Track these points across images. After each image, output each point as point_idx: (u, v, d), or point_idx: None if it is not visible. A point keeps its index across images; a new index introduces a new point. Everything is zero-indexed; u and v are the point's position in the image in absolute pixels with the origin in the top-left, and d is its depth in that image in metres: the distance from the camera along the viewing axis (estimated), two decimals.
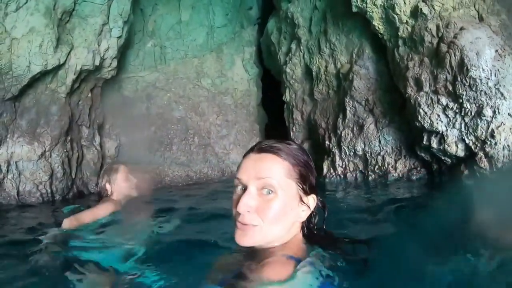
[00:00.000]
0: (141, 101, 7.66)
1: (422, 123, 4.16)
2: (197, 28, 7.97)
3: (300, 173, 1.43)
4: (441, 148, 4.13)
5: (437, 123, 4.10)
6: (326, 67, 5.73)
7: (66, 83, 6.14)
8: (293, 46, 6.39)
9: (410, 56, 4.42)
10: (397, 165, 4.70)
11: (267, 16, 7.79)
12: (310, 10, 6.13)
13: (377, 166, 4.85)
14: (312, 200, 1.46)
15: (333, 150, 5.38)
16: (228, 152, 7.79)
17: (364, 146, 4.97)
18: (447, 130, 4.08)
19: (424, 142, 4.25)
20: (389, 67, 4.90)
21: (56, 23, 5.81)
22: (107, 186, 3.65)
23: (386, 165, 4.77)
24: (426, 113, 4.14)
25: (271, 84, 7.90)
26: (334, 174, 5.33)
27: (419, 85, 4.25)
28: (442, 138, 4.12)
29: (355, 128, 5.11)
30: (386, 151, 4.80)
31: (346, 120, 5.19)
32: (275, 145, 1.45)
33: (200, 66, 7.85)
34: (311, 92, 6.10)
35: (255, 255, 1.43)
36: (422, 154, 4.45)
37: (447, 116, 4.07)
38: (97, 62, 6.38)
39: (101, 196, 3.74)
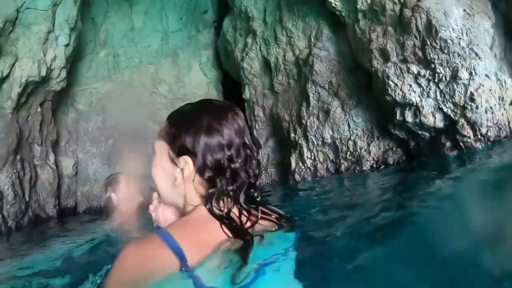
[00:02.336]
0: (96, 113, 6.90)
1: (393, 96, 3.55)
2: (150, 34, 7.28)
3: (172, 133, 1.33)
4: (417, 121, 3.52)
5: (410, 94, 3.49)
6: (284, 56, 5.10)
7: (11, 97, 5.37)
8: (249, 40, 5.76)
9: (372, 28, 3.83)
10: (371, 148, 4.06)
11: (223, 19, 7.14)
12: (263, 1, 5.52)
13: (348, 153, 4.20)
14: (183, 162, 1.30)
15: (299, 142, 4.71)
16: None
17: (333, 132, 4.32)
18: (421, 100, 3.48)
19: (397, 118, 3.63)
20: (351, 46, 4.30)
21: None
22: (113, 196, 3.61)
23: (358, 150, 4.12)
24: (396, 84, 3.53)
25: (232, 89, 7.22)
26: (303, 167, 4.65)
27: (385, 56, 3.65)
28: (417, 110, 3.52)
29: (320, 115, 4.46)
30: (357, 135, 4.15)
31: (310, 108, 4.54)
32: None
33: (155, 72, 7.12)
34: (271, 85, 5.45)
35: None
36: (397, 132, 3.82)
37: (419, 85, 3.48)
38: (43, 73, 5.64)
39: (107, 211, 3.65)
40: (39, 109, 6.02)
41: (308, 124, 4.53)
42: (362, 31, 3.92)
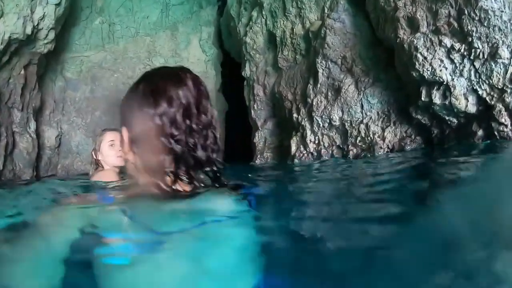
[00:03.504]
0: (85, 83, 6.21)
1: (421, 72, 2.92)
2: (150, 5, 6.60)
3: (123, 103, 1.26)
4: (446, 103, 2.89)
5: (441, 71, 2.87)
6: (293, 29, 4.45)
7: None
8: (254, 13, 5.11)
9: None
10: (385, 134, 3.42)
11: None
12: None
13: (359, 138, 3.56)
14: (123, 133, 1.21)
15: (302, 123, 4.07)
16: None
17: (342, 114, 3.68)
18: (453, 79, 2.85)
19: (422, 99, 3.00)
20: (370, 19, 3.68)
21: None
22: (93, 153, 3.33)
23: (371, 136, 3.49)
24: (425, 58, 2.90)
25: (232, 70, 6.60)
26: (305, 152, 4.02)
27: (413, 26, 3.02)
28: (447, 90, 2.89)
29: (329, 93, 3.82)
30: (371, 118, 3.52)
31: (318, 85, 3.90)
32: None
33: (152, 44, 6.43)
34: (275, 61, 4.80)
35: None
36: (419, 117, 3.18)
37: (452, 61, 2.85)
38: (28, 31, 4.98)
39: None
40: (22, 72, 5.38)
41: (314, 103, 3.90)
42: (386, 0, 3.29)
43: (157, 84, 1.19)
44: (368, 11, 3.69)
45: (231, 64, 6.66)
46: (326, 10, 4.04)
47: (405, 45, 3.03)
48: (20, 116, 5.44)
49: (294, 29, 4.42)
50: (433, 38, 2.90)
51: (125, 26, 6.42)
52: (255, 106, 5.05)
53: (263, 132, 4.93)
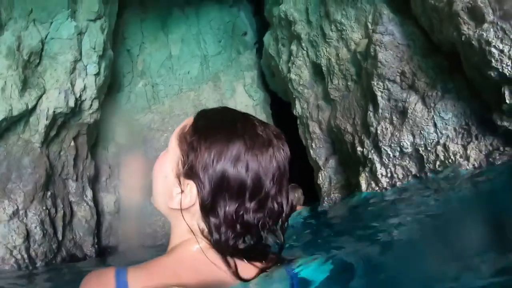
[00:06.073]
0: (137, 146, 6.34)
1: (500, 69, 2.46)
2: (189, 60, 6.68)
3: (191, 141, 0.93)
4: None
5: None
6: (338, 54, 4.14)
7: (39, 130, 4.97)
8: (294, 47, 4.89)
9: None
10: (469, 152, 2.91)
11: None
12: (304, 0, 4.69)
13: (438, 162, 3.07)
14: (186, 187, 0.91)
15: (369, 156, 3.65)
16: None
17: (414, 138, 3.22)
18: None
19: (507, 101, 2.52)
20: (420, 23, 3.29)
21: (21, 65, 4.75)
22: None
23: (452, 157, 2.99)
24: (502, 51, 2.45)
25: (282, 111, 6.37)
26: (377, 188, 3.56)
27: (477, 16, 2.59)
28: None
29: (394, 117, 3.40)
30: (448, 136, 3.04)
31: (380, 110, 3.50)
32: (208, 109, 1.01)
33: (197, 99, 6.45)
34: (325, 93, 4.47)
35: None
36: (505, 123, 2.67)
37: None
38: (71, 104, 5.17)
39: None
40: (72, 143, 5.56)
41: (378, 131, 3.48)
42: None
43: (257, 149, 1.00)
44: (416, 15, 3.31)
45: (279, 103, 6.44)
46: (370, 26, 3.70)
47: (473, 42, 2.59)
48: (75, 186, 5.57)
49: (339, 54, 4.11)
50: (504, 26, 2.45)
51: (168, 85, 6.51)
52: (313, 144, 4.70)
53: (327, 172, 4.54)
